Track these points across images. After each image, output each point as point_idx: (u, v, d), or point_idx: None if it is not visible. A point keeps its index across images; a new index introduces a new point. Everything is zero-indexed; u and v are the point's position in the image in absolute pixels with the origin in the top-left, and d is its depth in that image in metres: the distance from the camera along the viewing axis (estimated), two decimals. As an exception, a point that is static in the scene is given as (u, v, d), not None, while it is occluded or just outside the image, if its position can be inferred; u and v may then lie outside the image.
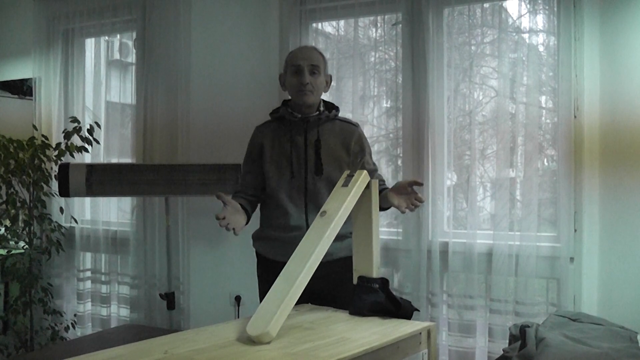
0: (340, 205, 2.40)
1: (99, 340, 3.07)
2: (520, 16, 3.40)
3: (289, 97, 2.84)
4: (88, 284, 4.63)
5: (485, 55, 3.58)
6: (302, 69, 2.75)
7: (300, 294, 2.23)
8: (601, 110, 3.19)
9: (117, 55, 4.81)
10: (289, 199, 2.76)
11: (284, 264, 2.77)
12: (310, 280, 2.60)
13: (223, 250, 4.15)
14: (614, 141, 3.16)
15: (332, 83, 2.96)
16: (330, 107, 2.86)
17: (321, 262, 2.52)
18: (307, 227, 2.70)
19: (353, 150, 2.78)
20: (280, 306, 2.13)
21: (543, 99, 3.41)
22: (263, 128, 2.94)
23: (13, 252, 4.39)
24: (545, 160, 3.46)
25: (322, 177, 2.69)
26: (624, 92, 3.15)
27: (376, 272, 2.49)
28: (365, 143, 2.86)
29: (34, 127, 4.58)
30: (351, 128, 2.81)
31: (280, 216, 2.78)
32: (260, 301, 2.86)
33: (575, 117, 3.17)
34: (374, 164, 2.89)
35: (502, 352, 2.79)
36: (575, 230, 3.18)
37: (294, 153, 2.75)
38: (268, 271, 2.88)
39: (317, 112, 2.79)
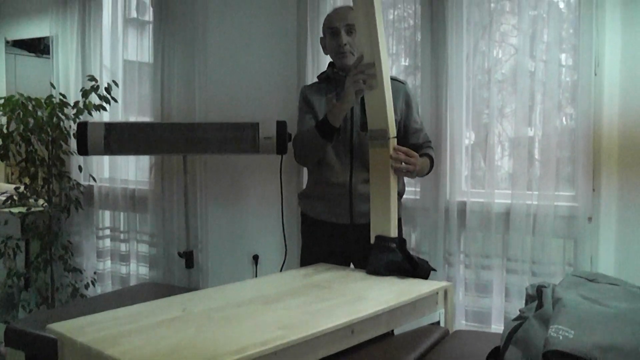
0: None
1: (118, 297, 3.12)
2: (541, -29, 3.33)
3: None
4: (107, 242, 4.68)
5: (505, 12, 3.52)
6: (338, 30, 2.75)
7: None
8: (622, 68, 3.12)
9: (134, 14, 4.78)
10: (335, 155, 2.77)
11: (327, 223, 2.81)
12: (356, 243, 2.64)
13: (241, 209, 4.17)
14: (634, 99, 3.10)
15: None
16: None
17: (366, 224, 2.55)
18: (351, 184, 2.73)
19: (400, 107, 2.78)
20: None
21: (563, 56, 3.35)
22: (309, 87, 2.97)
23: (33, 209, 4.43)
24: (564, 118, 3.41)
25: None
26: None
27: (394, 231, 2.50)
28: (412, 100, 2.86)
29: (52, 85, 4.59)
30: (398, 85, 2.79)
31: (326, 172, 2.79)
32: (302, 259, 2.92)
33: (595, 74, 3.11)
34: (421, 122, 2.89)
35: (518, 312, 2.80)
36: (593, 190, 3.15)
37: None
38: (311, 231, 2.92)
39: None
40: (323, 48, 2.91)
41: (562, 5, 3.31)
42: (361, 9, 2.43)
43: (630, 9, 3.10)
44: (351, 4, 3.00)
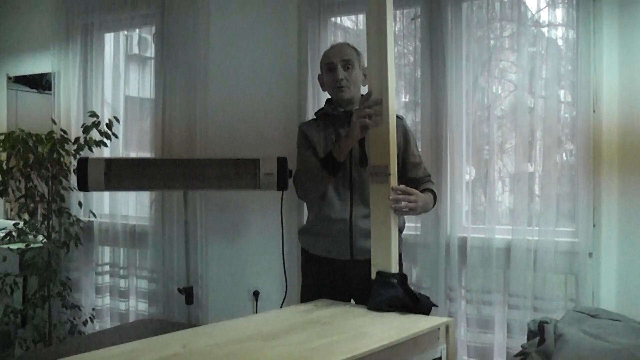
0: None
1: (117, 334, 3.09)
2: (539, 9, 3.37)
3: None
4: (106, 278, 4.65)
5: (504, 48, 3.56)
6: (335, 65, 2.77)
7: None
8: (620, 105, 3.16)
9: (136, 50, 4.83)
10: (334, 191, 2.76)
11: (327, 259, 2.79)
12: (357, 279, 2.62)
13: (241, 245, 4.16)
14: (632, 135, 3.12)
15: None
16: None
17: (366, 260, 2.53)
18: (351, 220, 2.72)
19: (398, 142, 2.77)
20: None
21: (562, 92, 3.38)
22: (307, 124, 2.98)
23: (32, 245, 4.41)
24: (564, 154, 3.43)
25: (368, 169, 2.66)
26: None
27: (394, 267, 2.49)
28: (410, 135, 2.87)
29: (53, 121, 4.61)
30: (396, 121, 2.81)
31: (325, 208, 2.78)
32: (302, 295, 2.90)
33: (594, 111, 3.14)
34: (419, 155, 2.89)
35: (520, 348, 2.78)
36: (593, 226, 3.16)
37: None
38: (311, 266, 2.90)
39: None
40: (321, 84, 2.93)
41: (560, 42, 3.35)
42: (373, 47, 2.45)
43: (628, 47, 3.14)
44: (348, 42, 3.04)
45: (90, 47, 4.70)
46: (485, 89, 3.50)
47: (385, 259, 2.49)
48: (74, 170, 4.13)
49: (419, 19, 3.57)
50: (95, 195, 4.61)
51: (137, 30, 4.79)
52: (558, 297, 3.24)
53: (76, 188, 3.94)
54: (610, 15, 3.16)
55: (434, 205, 2.83)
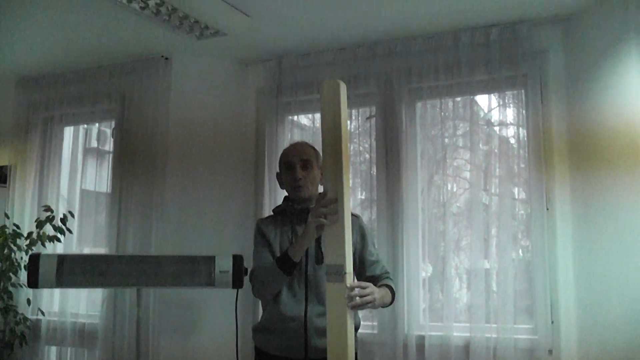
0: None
1: None
2: (490, 109, 3.47)
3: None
4: (51, 381, 4.44)
5: (458, 147, 3.63)
6: (294, 164, 2.78)
7: None
8: (572, 204, 3.22)
9: (94, 143, 4.81)
10: (288, 288, 2.71)
11: (281, 358, 2.71)
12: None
13: (195, 343, 4.03)
14: (587, 232, 3.17)
15: None
16: None
17: (321, 359, 2.46)
18: (306, 318, 2.66)
19: (355, 240, 2.76)
20: None
21: (516, 190, 3.44)
22: (264, 220, 2.94)
23: (-29, 347, 4.22)
24: (520, 250, 3.46)
25: (323, 266, 2.62)
26: (593, 183, 3.19)
27: (350, 367, 2.43)
28: (367, 233, 2.85)
29: (6, 215, 4.50)
30: (353, 219, 2.80)
31: (280, 306, 2.72)
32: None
33: (547, 208, 3.19)
34: (377, 254, 2.87)
35: None
36: (552, 322, 3.15)
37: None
38: None
39: None
40: (279, 183, 2.93)
41: (512, 140, 3.44)
42: (328, 145, 2.46)
43: (577, 153, 3.23)
44: (307, 140, 3.06)
45: (49, 140, 4.68)
46: (441, 186, 3.54)
47: (342, 358, 2.43)
48: (24, 266, 4.01)
49: (374, 118, 3.64)
50: (45, 292, 4.46)
51: (97, 124, 4.78)
52: (519, 395, 3.20)
53: (26, 285, 3.81)
54: (559, 116, 3.27)
55: (392, 301, 2.79)
